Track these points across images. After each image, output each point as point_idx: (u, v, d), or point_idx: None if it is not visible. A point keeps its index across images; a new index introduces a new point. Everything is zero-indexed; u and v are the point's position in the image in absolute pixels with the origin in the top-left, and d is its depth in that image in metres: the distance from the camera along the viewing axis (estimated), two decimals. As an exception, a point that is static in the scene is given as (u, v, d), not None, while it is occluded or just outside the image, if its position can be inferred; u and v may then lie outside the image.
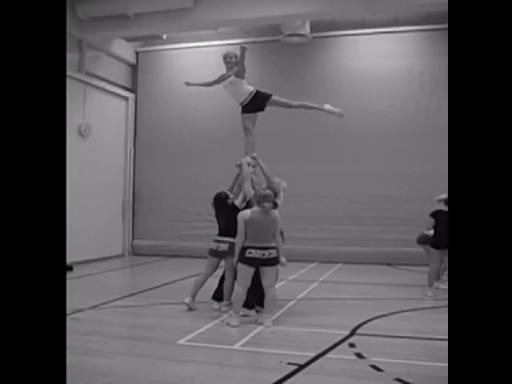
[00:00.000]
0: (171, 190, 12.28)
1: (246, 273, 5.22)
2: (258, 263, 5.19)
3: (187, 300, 5.93)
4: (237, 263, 5.29)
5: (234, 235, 5.48)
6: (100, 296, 6.84)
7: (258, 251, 5.15)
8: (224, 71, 6.19)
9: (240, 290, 5.28)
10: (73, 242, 9.88)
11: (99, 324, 5.37)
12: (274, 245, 5.26)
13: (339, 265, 10.24)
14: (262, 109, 6.24)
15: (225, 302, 5.90)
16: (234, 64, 5.97)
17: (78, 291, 7.43)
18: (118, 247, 12.22)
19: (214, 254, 5.94)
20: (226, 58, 6.02)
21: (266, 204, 5.22)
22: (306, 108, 6.55)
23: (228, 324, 5.24)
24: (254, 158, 6.11)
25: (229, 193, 6.12)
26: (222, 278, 6.05)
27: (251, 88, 6.12)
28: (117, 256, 11.99)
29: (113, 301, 6.58)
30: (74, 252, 9.78)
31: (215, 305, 6.01)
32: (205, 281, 6.00)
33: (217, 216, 6.11)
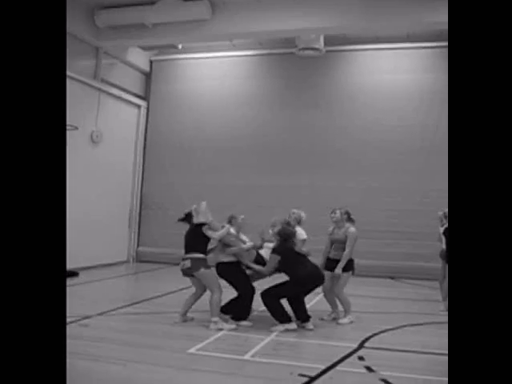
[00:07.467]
0: (178, 198, 12.28)
1: None
2: None
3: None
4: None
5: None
6: (107, 302, 6.88)
7: None
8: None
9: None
10: (78, 247, 9.97)
11: (109, 331, 5.39)
12: None
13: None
14: None
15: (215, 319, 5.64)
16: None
17: (84, 297, 7.46)
18: (123, 253, 12.27)
19: None
20: None
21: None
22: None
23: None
24: None
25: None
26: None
27: None
28: (121, 262, 12.04)
29: (121, 308, 6.61)
30: (79, 257, 9.81)
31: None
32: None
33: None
